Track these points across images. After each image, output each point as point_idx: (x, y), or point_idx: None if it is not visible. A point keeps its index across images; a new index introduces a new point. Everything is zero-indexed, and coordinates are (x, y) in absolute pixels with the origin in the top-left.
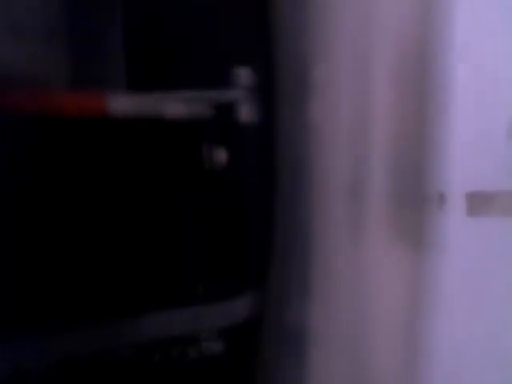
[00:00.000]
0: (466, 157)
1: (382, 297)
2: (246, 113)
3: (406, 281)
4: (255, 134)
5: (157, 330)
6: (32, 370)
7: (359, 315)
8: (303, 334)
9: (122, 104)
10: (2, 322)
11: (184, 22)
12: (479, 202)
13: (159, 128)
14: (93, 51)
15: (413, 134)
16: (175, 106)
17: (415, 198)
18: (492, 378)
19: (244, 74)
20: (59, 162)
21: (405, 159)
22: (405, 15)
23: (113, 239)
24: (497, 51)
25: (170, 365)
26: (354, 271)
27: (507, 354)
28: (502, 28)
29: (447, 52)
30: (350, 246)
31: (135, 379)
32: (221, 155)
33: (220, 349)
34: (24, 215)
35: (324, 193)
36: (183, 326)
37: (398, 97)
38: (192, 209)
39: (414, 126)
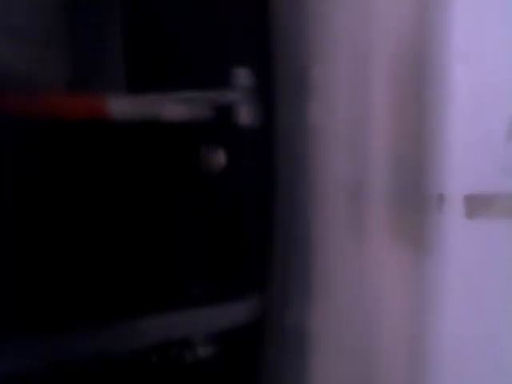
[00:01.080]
0: (465, 158)
1: (383, 297)
2: (246, 114)
3: (405, 282)
4: (254, 135)
5: (155, 333)
6: (32, 370)
7: (360, 316)
8: (304, 335)
9: (122, 105)
10: (2, 322)
11: (183, 22)
12: (478, 204)
13: (158, 129)
14: (92, 53)
15: (412, 135)
16: (174, 107)
17: (415, 199)
18: (492, 378)
19: (243, 75)
20: (58, 163)
21: (404, 160)
22: (404, 15)
23: (111, 241)
24: (496, 51)
25: (167, 368)
26: (354, 272)
27: (507, 354)
28: (502, 28)
29: (447, 52)
30: (350, 247)
31: (133, 382)
32: (220, 156)
33: (219, 352)
34: (23, 216)
35: (324, 194)
36: (182, 329)
37: (398, 97)
38: (191, 211)
39: (414, 127)
